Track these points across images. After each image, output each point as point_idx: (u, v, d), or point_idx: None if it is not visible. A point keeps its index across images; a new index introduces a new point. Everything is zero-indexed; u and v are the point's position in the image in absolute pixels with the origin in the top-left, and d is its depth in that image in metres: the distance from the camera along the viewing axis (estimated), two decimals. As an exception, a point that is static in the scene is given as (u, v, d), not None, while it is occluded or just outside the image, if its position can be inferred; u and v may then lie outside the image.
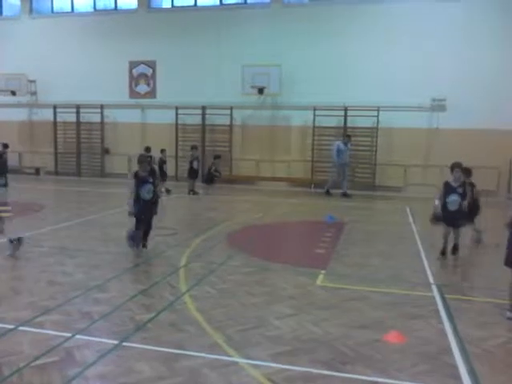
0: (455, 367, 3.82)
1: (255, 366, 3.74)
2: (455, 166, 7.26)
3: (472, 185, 8.01)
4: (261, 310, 4.92)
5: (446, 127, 15.27)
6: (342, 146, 14.58)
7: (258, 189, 16.17)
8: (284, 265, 6.70)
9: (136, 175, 7.05)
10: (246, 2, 17.29)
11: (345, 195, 14.56)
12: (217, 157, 15.28)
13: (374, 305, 5.16)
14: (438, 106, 15.46)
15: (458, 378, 3.65)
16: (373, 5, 15.81)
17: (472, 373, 3.72)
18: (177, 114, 17.53)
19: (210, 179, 14.78)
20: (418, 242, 8.34)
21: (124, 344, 4.06)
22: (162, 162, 14.38)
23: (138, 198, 6.94)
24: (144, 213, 7.04)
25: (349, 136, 15.08)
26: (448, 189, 7.20)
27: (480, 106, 14.77)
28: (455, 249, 7.41)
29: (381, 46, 15.59)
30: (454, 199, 7.14)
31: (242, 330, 4.41)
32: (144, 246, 7.17)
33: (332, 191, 14.86)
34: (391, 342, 4.23)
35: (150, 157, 14.46)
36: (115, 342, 4.08)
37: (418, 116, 15.57)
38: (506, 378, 3.69)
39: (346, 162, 14.75)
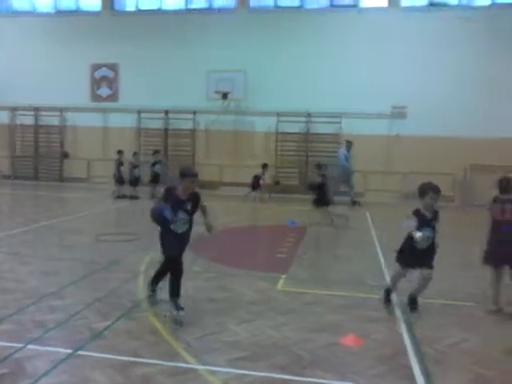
0: (410, 368, 3.90)
1: (213, 372, 3.71)
2: (433, 190, 5.10)
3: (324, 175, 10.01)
4: (220, 315, 4.89)
5: (406, 134, 15.65)
6: (346, 152, 14.74)
7: (221, 194, 16.11)
8: (245, 270, 6.69)
9: (171, 194, 4.90)
10: (211, 7, 17.28)
11: (355, 203, 14.25)
12: (156, 152, 15.06)
13: (332, 308, 5.21)
14: (399, 113, 15.83)
15: (412, 378, 3.73)
16: (337, 14, 16.13)
17: (425, 373, 3.80)
18: (139, 118, 17.32)
19: (154, 179, 14.52)
20: (377, 247, 8.48)
21: (79, 353, 3.95)
22: (133, 167, 14.28)
23: (166, 231, 4.94)
24: (178, 251, 5.00)
25: (350, 142, 14.96)
26: (421, 221, 5.14)
27: (438, 114, 15.20)
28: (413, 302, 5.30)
29: (343, 54, 15.86)
30: (427, 235, 5.06)
31: (201, 336, 4.37)
32: (178, 307, 4.70)
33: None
34: (348, 345, 4.28)
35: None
36: (69, 351, 3.97)
37: (379, 123, 15.90)
38: (458, 377, 3.79)
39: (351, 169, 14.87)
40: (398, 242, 5.60)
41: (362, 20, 15.91)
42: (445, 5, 15.87)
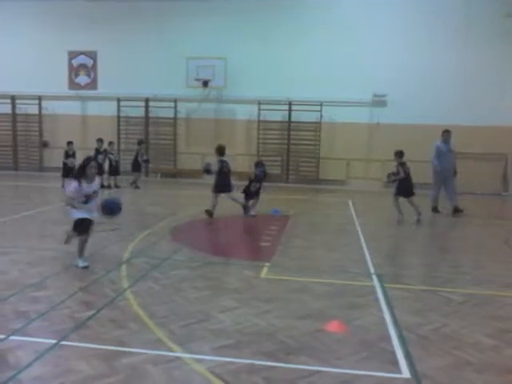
0: (393, 353, 3.96)
1: (198, 360, 3.72)
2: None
3: (403, 164, 10.09)
4: (204, 304, 4.89)
5: (387, 122, 15.78)
6: (442, 146, 11.24)
7: (202, 183, 16.02)
8: (229, 258, 6.71)
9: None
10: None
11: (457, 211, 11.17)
12: (140, 142, 14.90)
13: (316, 295, 5.26)
14: (379, 101, 15.94)
15: (395, 363, 3.79)
16: (319, 1, 16.03)
17: (408, 357, 3.87)
18: (119, 106, 17.09)
19: (136, 167, 14.41)
20: (360, 234, 8.57)
21: (62, 343, 3.92)
22: (108, 156, 14.13)
23: None
24: None
25: (447, 131, 11.37)
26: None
27: (418, 102, 15.37)
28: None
29: (325, 42, 15.85)
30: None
31: (185, 324, 4.37)
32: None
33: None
34: (332, 331, 4.32)
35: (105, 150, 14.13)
36: (53, 341, 3.93)
37: (360, 111, 15.99)
38: (439, 360, 3.87)
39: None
40: (380, 229, 5.66)
41: (343, 7, 15.88)
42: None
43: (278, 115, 16.37)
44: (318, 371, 3.62)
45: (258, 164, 10.44)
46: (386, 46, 15.60)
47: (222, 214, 10.02)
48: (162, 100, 16.76)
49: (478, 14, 15.19)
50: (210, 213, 9.70)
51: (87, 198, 5.91)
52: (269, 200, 12.52)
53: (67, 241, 6.40)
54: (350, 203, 12.45)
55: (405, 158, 10.25)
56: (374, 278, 5.97)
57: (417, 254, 7.57)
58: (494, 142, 15.09)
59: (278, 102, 16.00)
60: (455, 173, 11.31)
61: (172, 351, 3.85)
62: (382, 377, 3.59)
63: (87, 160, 5.99)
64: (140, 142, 14.78)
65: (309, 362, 3.75)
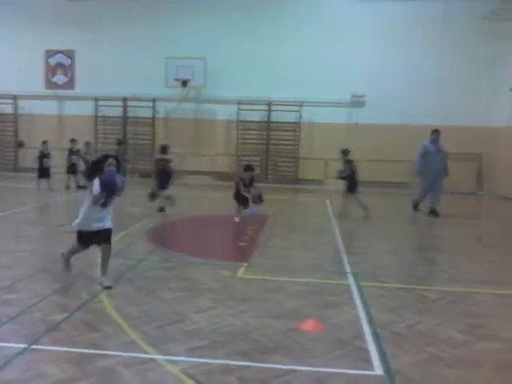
0: (367, 350, 3.99)
1: (173, 362, 3.69)
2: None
3: (350, 161, 10.56)
4: (179, 304, 4.86)
5: (365, 122, 15.92)
6: (430, 146, 11.10)
7: (181, 183, 15.96)
8: (205, 259, 6.68)
9: None
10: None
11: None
12: (120, 142, 14.53)
13: (292, 295, 5.27)
14: (358, 102, 16.07)
15: (368, 360, 3.82)
16: (298, 1, 16.09)
17: (382, 355, 3.90)
18: (96, 106, 16.91)
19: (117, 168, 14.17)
20: (337, 233, 8.62)
21: (33, 347, 3.85)
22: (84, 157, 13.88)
23: None
24: None
25: (437, 131, 11.21)
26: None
27: (396, 103, 15.55)
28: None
29: (305, 43, 15.92)
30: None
31: (160, 326, 4.33)
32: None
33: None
34: (308, 330, 4.34)
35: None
36: (24, 345, 3.85)
37: (339, 111, 16.10)
38: (412, 357, 3.91)
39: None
40: (357, 228, 5.71)
41: (322, 8, 15.97)
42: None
43: (257, 115, 16.38)
44: (293, 370, 3.63)
45: (248, 168, 9.67)
46: (364, 47, 15.75)
47: (199, 215, 9.99)
48: (140, 99, 16.63)
49: (455, 17, 15.41)
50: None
51: (105, 202, 5.28)
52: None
53: (67, 263, 5.62)
54: (328, 203, 12.52)
55: (351, 156, 10.76)
56: (350, 276, 6.01)
57: (393, 252, 7.64)
58: (468, 143, 15.33)
59: (257, 102, 16.01)
60: (447, 174, 11.08)
61: (146, 353, 3.82)
62: (356, 374, 3.61)
63: (105, 157, 5.32)
64: (120, 143, 14.56)
65: (283, 361, 3.75)
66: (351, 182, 10.44)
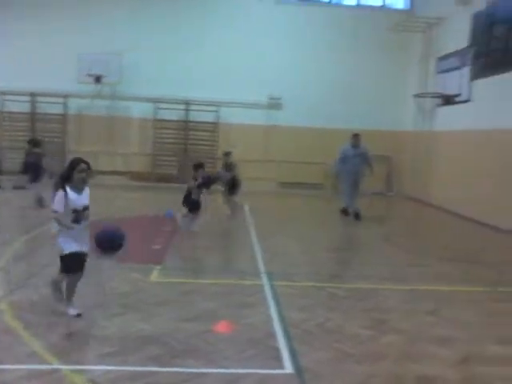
0: (278, 349, 4.05)
1: (79, 371, 3.52)
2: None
3: (231, 164, 10.85)
4: (88, 311, 4.64)
5: (282, 124, 16.24)
6: (349, 149, 11.12)
7: (95, 183, 15.29)
8: (117, 262, 6.44)
9: None
10: (81, -16, 16.18)
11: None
12: (37, 143, 13.49)
13: (206, 297, 5.24)
14: (275, 104, 16.35)
15: (279, 359, 3.88)
16: (216, 1, 16.07)
17: (292, 353, 3.98)
18: (2, 101, 15.78)
19: (25, 168, 13.32)
20: (253, 234, 8.69)
21: None
22: None
23: None
24: None
25: (356, 135, 11.20)
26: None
27: (311, 106, 16.00)
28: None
29: (223, 44, 15.85)
30: None
31: (66, 334, 4.12)
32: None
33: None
34: (221, 331, 4.33)
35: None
36: None
37: (257, 113, 16.28)
38: (322, 354, 4.02)
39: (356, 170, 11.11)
40: (272, 229, 5.77)
41: (241, 10, 16.06)
42: (316, 0, 16.67)
43: (174, 114, 16.12)
44: (204, 373, 3.59)
45: (198, 167, 8.70)
46: (281, 50, 16.02)
47: (113, 216, 9.63)
48: (50, 95, 15.74)
49: (365, 27, 16.11)
50: None
51: (77, 216, 4.52)
52: (163, 201, 12.30)
53: (56, 292, 4.61)
54: (246, 204, 12.60)
55: (232, 158, 10.99)
56: (264, 276, 6.08)
57: (305, 251, 7.84)
58: (379, 146, 16.07)
59: (175, 101, 15.76)
60: (372, 173, 11.11)
61: (49, 364, 3.60)
62: (266, 373, 3.65)
63: (76, 161, 4.49)
64: (36, 143, 13.49)
65: (195, 365, 3.71)
66: (232, 184, 10.70)
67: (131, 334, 4.18)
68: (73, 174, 4.40)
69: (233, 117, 16.04)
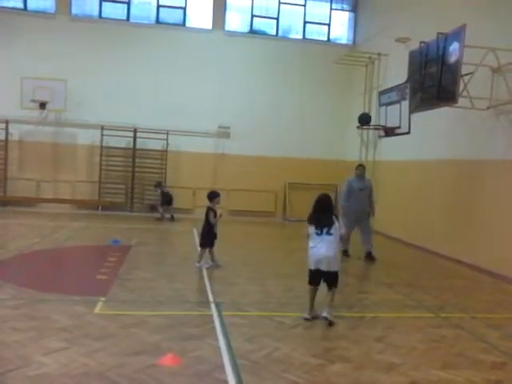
0: (226, 382, 3.98)
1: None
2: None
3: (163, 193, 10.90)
4: (25, 347, 4.41)
5: (231, 153, 16.37)
6: (354, 182, 10.04)
7: (37, 211, 14.82)
8: (59, 295, 6.19)
9: None
10: (26, 9, 15.87)
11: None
12: None
13: (152, 329, 5.10)
14: (224, 132, 16.48)
15: (227, 392, 3.82)
16: (164, 31, 16.19)
17: (240, 385, 3.93)
18: None
19: None
20: (202, 262, 8.59)
21: None
22: None
23: None
24: None
25: (361, 166, 10.32)
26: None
27: (259, 136, 16.31)
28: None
29: (170, 72, 15.98)
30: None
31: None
32: None
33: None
34: (167, 365, 4.21)
35: None
36: None
37: (206, 141, 16.35)
38: (270, 385, 3.99)
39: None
40: (222, 257, 5.72)
41: (188, 39, 16.26)
42: (264, 33, 17.11)
43: (122, 142, 15.91)
44: (149, 410, 3.47)
45: (216, 195, 8.75)
46: (232, 81, 16.30)
47: (56, 246, 9.30)
48: (-10, 120, 15.18)
49: (312, 59, 16.70)
50: None
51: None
52: (109, 230, 12.02)
53: None
54: (195, 231, 12.48)
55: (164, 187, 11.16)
56: (213, 306, 6.01)
57: (254, 280, 7.82)
58: (326, 175, 16.49)
59: (122, 128, 15.57)
60: (373, 213, 10.10)
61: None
62: (214, 408, 3.57)
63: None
64: None
65: (140, 401, 3.58)
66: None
67: (72, 371, 3.99)
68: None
69: (182, 144, 16.03)
